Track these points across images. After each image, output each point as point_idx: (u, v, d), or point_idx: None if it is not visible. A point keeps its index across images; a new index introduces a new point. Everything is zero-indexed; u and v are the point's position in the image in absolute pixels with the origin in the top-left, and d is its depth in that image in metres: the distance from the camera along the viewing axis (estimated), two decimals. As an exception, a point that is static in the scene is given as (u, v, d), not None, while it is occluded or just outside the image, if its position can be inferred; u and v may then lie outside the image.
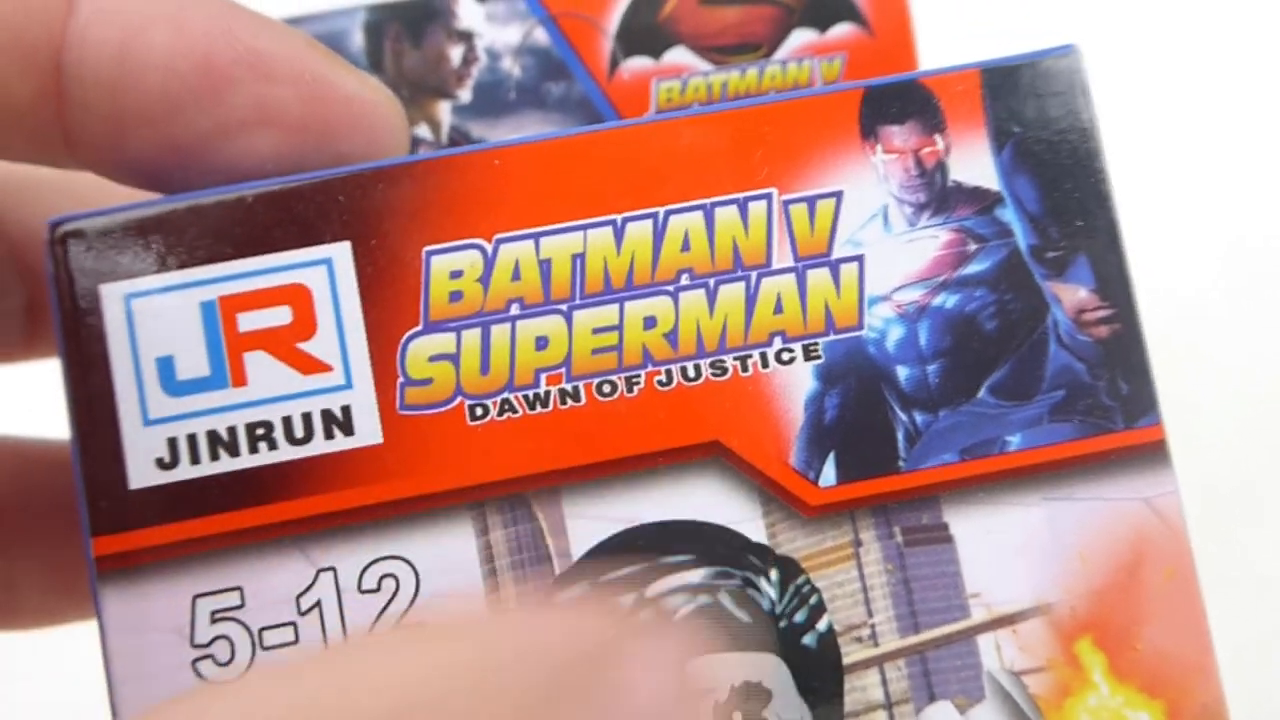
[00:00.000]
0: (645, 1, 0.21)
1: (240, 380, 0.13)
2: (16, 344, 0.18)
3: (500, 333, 0.14)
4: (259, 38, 0.14)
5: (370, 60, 0.21)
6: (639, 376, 0.14)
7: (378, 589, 0.13)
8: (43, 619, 0.19)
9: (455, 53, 0.21)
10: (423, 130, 0.21)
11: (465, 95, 0.21)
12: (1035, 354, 0.14)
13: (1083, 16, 0.37)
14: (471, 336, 0.14)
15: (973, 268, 0.14)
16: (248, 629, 0.13)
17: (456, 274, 0.14)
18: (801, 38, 0.21)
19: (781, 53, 0.21)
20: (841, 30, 0.20)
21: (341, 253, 0.13)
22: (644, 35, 0.21)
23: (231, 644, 0.13)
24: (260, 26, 0.14)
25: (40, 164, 0.15)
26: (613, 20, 0.21)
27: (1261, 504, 0.36)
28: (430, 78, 0.21)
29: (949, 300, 0.14)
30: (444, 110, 0.21)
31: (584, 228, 0.14)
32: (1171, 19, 0.39)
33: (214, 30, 0.14)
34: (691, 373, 0.14)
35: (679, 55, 0.21)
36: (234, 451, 0.13)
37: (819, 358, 0.14)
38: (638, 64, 0.21)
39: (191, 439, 0.13)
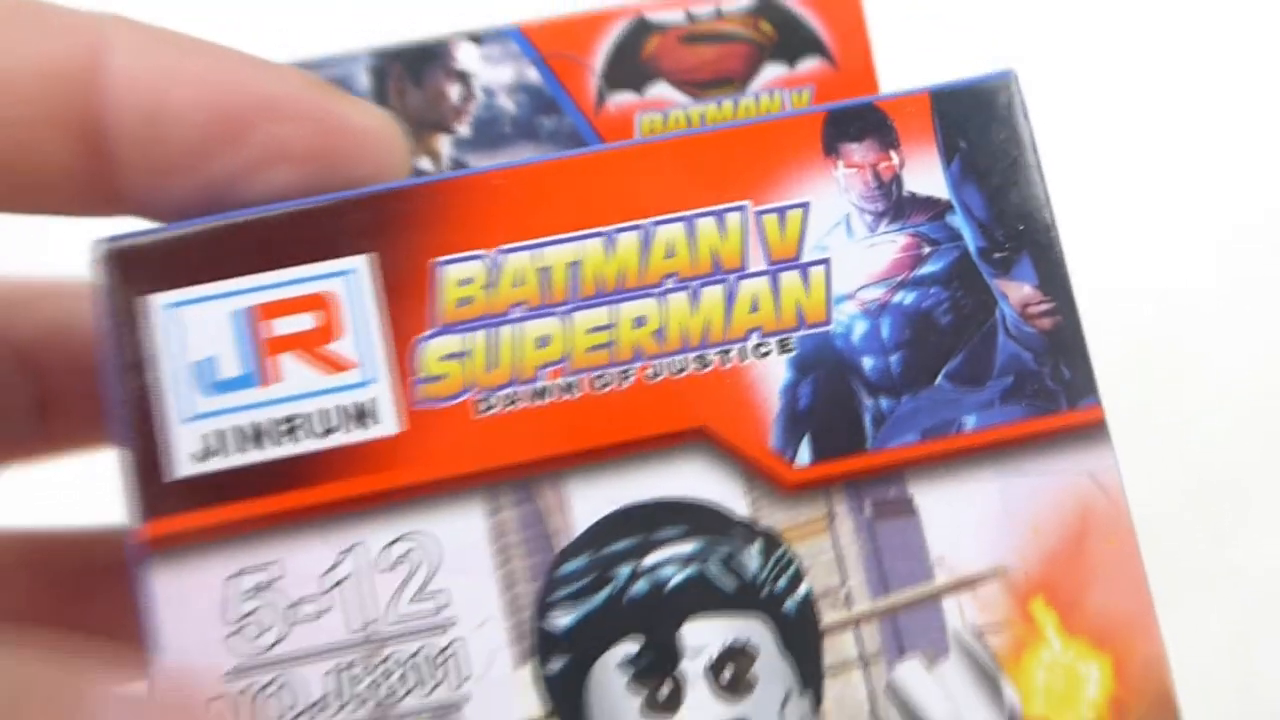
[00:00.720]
0: (628, 42, 0.22)
1: (271, 379, 0.15)
2: (30, 442, 0.20)
3: (505, 333, 0.15)
4: (270, 84, 0.16)
5: (375, 99, 0.22)
6: (630, 370, 0.15)
7: (398, 565, 0.15)
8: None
9: (454, 91, 0.22)
10: (424, 163, 0.22)
11: (464, 130, 0.22)
12: (986, 344, 0.15)
13: (1038, 42, 0.39)
14: (479, 337, 0.15)
15: (927, 268, 0.15)
16: (279, 604, 0.14)
17: (465, 281, 0.15)
18: (773, 72, 0.22)
19: (754, 85, 0.22)
20: (809, 64, 0.22)
21: (362, 264, 0.15)
22: (628, 72, 0.22)
23: (264, 618, 0.14)
24: (270, 73, 0.16)
25: (90, 215, 0.16)
26: (599, 59, 0.22)
27: (1250, 501, 0.37)
28: (431, 114, 0.22)
29: (907, 297, 0.15)
30: (444, 144, 0.22)
31: (579, 238, 0.15)
32: (1148, 30, 0.41)
33: (229, 82, 0.15)
34: (678, 366, 0.15)
35: (660, 90, 0.22)
36: (266, 443, 0.15)
37: (792, 350, 0.15)
38: (622, 98, 0.22)
39: (227, 433, 0.15)
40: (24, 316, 0.19)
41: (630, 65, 0.23)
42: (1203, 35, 0.41)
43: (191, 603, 0.14)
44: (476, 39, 0.23)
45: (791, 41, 0.23)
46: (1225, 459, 0.37)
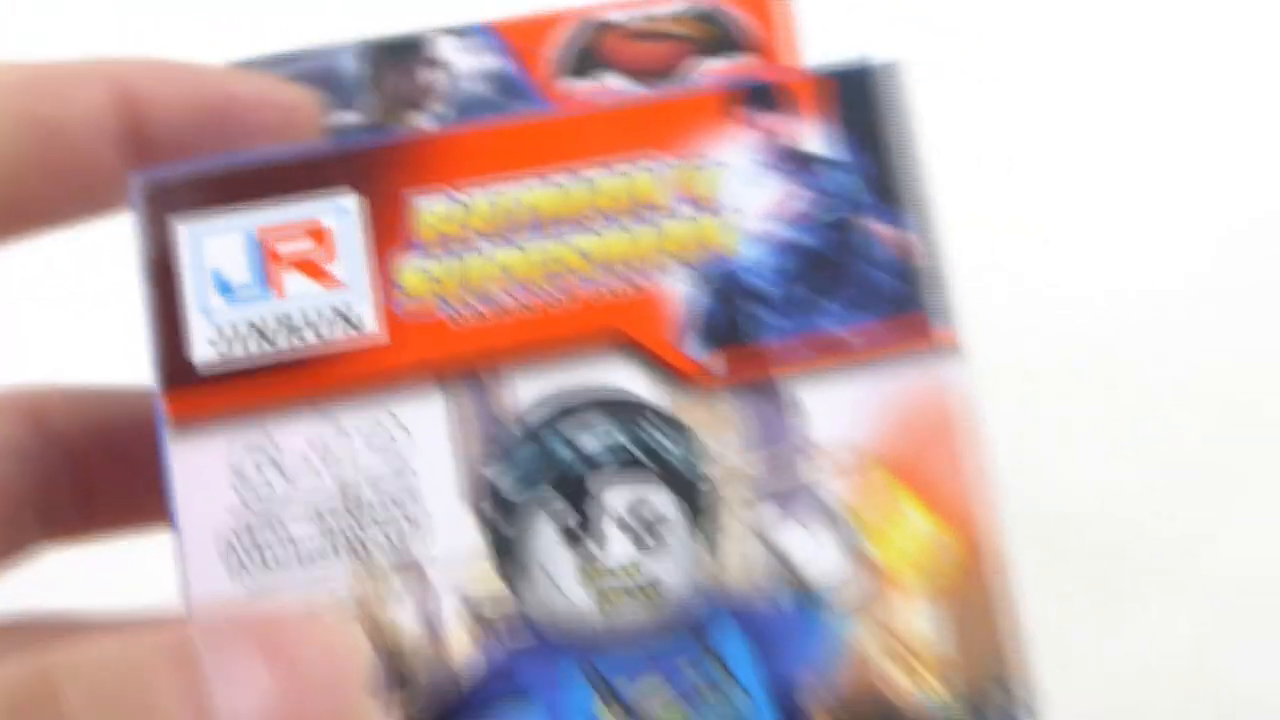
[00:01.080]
0: (585, 37, 0.26)
1: (274, 288, 0.18)
2: (75, 525, 0.23)
3: (468, 257, 0.18)
4: (238, 85, 0.21)
5: (364, 82, 0.26)
6: (568, 287, 0.18)
7: (375, 435, 0.18)
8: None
9: (431, 77, 0.26)
10: (406, 137, 0.26)
11: (439, 110, 0.26)
12: (861, 273, 0.19)
13: (967, 32, 0.42)
14: (447, 259, 0.18)
15: (816, 210, 0.19)
16: (279, 466, 0.18)
17: (437, 215, 0.18)
18: (710, 65, 0.26)
19: (693, 77, 0.26)
20: (745, 59, 0.26)
21: (353, 200, 0.18)
22: (584, 63, 0.26)
23: (267, 477, 0.18)
24: (238, 77, 0.22)
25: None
26: (559, 51, 0.26)
27: (1225, 505, 0.38)
28: (410, 96, 0.26)
29: (800, 234, 0.19)
30: (423, 122, 0.26)
31: (531, 182, 0.19)
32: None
33: (214, 90, 0.21)
34: (607, 285, 0.19)
35: (611, 79, 0.26)
36: (271, 340, 0.18)
37: (701, 274, 0.19)
38: (578, 86, 0.26)
39: (239, 329, 0.18)
40: (72, 415, 0.22)
41: (586, 58, 0.26)
42: (1121, 30, 0.43)
43: (205, 463, 0.17)
44: (454, 33, 0.26)
45: (729, 40, 0.26)
46: (1199, 461, 0.38)
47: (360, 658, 0.16)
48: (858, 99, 0.19)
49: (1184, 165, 0.42)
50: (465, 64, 0.26)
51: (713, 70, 0.26)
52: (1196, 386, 0.39)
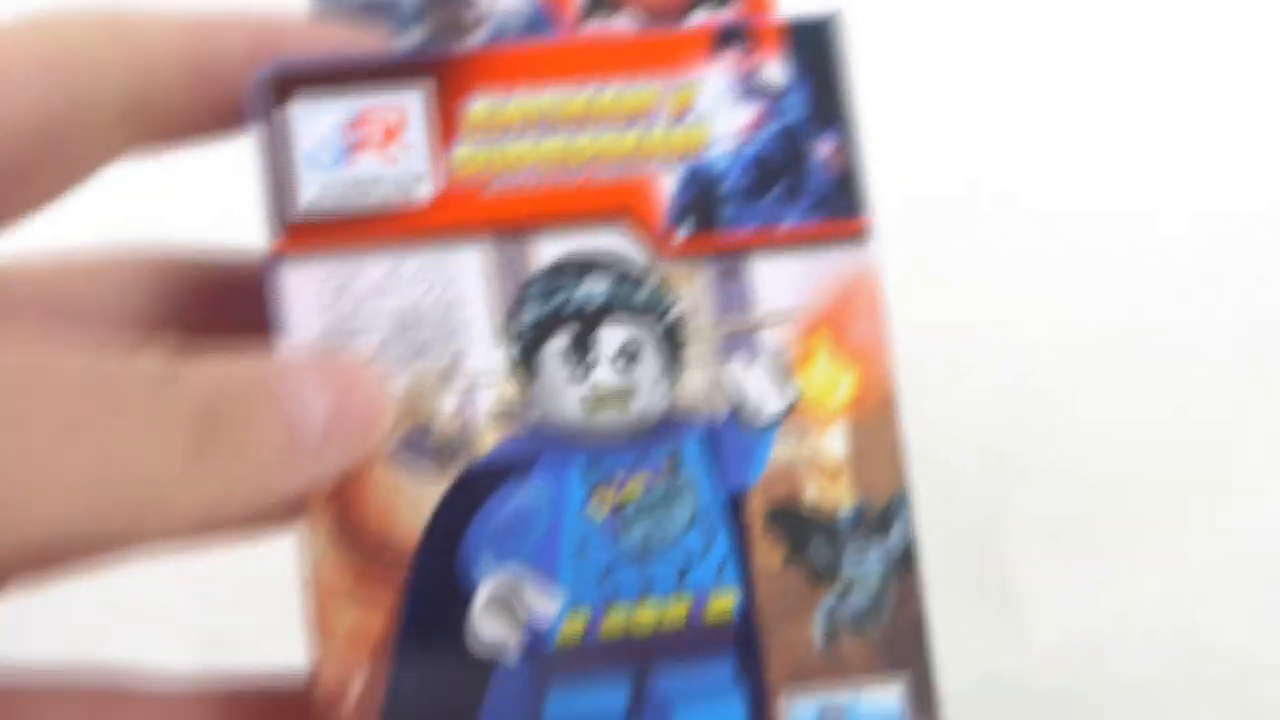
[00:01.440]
0: (603, -16, 0.32)
1: (361, 159, 0.24)
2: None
3: (505, 144, 0.24)
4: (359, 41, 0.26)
5: (418, 13, 0.31)
6: (582, 172, 0.24)
7: (426, 276, 0.24)
8: None
9: (473, 13, 0.31)
10: (452, 58, 0.31)
11: (481, 38, 0.31)
12: (802, 174, 0.25)
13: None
14: (490, 146, 0.24)
15: (771, 126, 0.25)
16: (356, 292, 0.23)
17: (483, 111, 0.24)
18: (704, 12, 0.32)
19: (692, 18, 0.31)
20: (731, 8, 0.31)
21: (420, 95, 0.24)
22: (601, 5, 0.31)
23: (347, 299, 0.23)
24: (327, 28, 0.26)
25: None
26: (581, -5, 0.32)
27: (1208, 462, 0.40)
28: (459, 26, 0.31)
29: (756, 143, 0.25)
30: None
31: (554, 90, 0.24)
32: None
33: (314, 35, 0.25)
34: (610, 173, 0.24)
35: (624, 20, 0.31)
36: (354, 198, 0.24)
37: (681, 170, 0.24)
38: (597, 21, 0.31)
39: (330, 188, 0.24)
40: (178, 267, 0.27)
41: (603, 0, 0.32)
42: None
43: (306, 288, 0.23)
44: (494, -25, 0.32)
45: (718, -8, 0.32)
46: (1189, 418, 0.39)
47: (389, 412, 0.23)
48: (809, 41, 0.25)
49: (1191, 142, 0.43)
50: (504, 2, 0.32)
51: (710, 14, 0.32)
52: (1193, 345, 0.40)
